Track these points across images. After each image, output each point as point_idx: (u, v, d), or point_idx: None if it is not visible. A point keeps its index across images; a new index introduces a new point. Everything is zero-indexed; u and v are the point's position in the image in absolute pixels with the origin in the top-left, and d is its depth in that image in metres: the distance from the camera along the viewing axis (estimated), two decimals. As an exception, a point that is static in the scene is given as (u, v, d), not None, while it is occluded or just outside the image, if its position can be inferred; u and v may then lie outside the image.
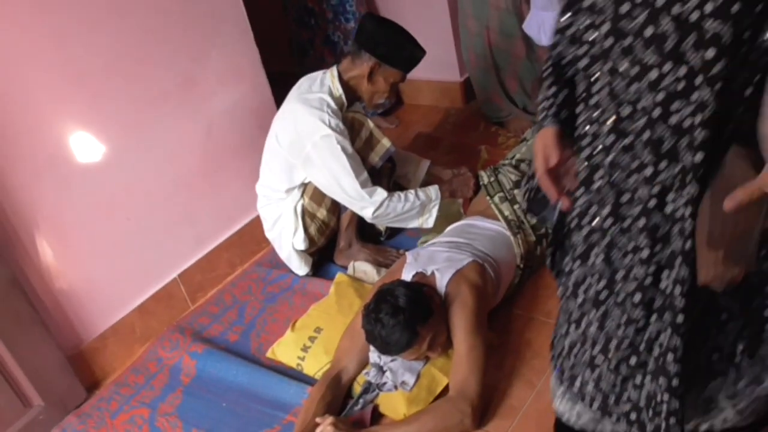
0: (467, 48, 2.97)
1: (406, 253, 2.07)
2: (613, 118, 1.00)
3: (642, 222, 1.02)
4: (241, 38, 2.54)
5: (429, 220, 2.26)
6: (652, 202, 1.00)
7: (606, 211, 1.06)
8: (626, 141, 0.99)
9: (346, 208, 2.32)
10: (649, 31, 0.90)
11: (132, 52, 2.19)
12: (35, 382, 2.04)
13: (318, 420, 1.73)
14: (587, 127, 1.06)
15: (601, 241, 1.09)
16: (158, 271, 2.42)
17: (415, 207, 2.22)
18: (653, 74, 0.92)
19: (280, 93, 2.57)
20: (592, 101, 1.04)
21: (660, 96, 0.93)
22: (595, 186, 1.07)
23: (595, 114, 1.04)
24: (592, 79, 1.03)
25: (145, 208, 2.33)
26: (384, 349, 1.75)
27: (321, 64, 3.03)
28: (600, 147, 1.04)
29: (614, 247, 1.07)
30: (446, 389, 1.79)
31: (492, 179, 2.27)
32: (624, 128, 0.99)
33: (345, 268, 2.40)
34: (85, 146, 2.12)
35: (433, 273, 1.89)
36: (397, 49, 2.22)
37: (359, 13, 3.23)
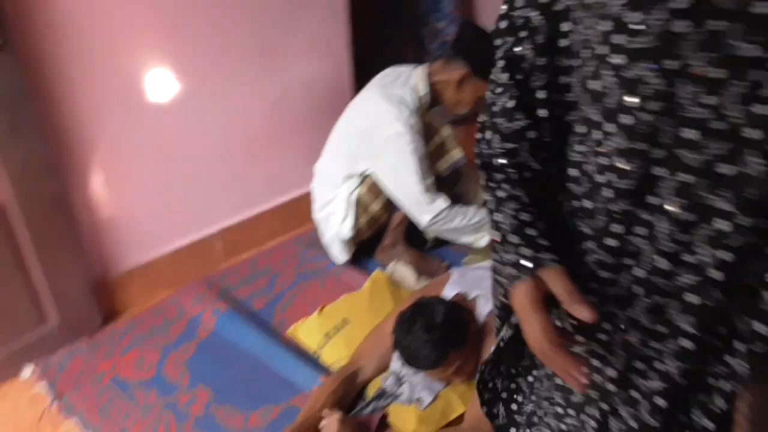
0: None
1: (452, 269, 2.02)
2: (647, 270, 0.74)
3: (661, 391, 0.78)
4: (335, 16, 2.51)
5: (483, 240, 2.20)
6: (681, 380, 0.76)
7: (612, 373, 0.81)
8: (658, 299, 0.74)
9: (399, 207, 2.28)
10: (724, 170, 0.65)
11: (227, 5, 2.17)
12: (57, 300, 2.04)
13: (325, 413, 1.70)
14: (599, 271, 0.80)
15: (596, 403, 0.84)
16: (200, 221, 2.41)
17: (473, 224, 2.17)
18: (722, 225, 0.67)
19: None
20: (610, 242, 0.77)
21: (723, 253, 0.68)
22: (601, 337, 0.81)
23: (610, 260, 0.78)
24: (616, 216, 0.75)
25: (202, 157, 2.32)
26: (410, 360, 1.70)
27: (400, 57, 2.98)
28: (614, 298, 0.79)
29: (615, 415, 0.83)
30: (460, 418, 1.74)
31: None
32: (655, 283, 0.74)
33: (384, 265, 2.36)
34: (159, 84, 2.11)
35: (475, 299, 1.84)
36: (493, 63, 2.16)
37: (453, 15, 3.18)
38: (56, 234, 1.99)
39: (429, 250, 2.44)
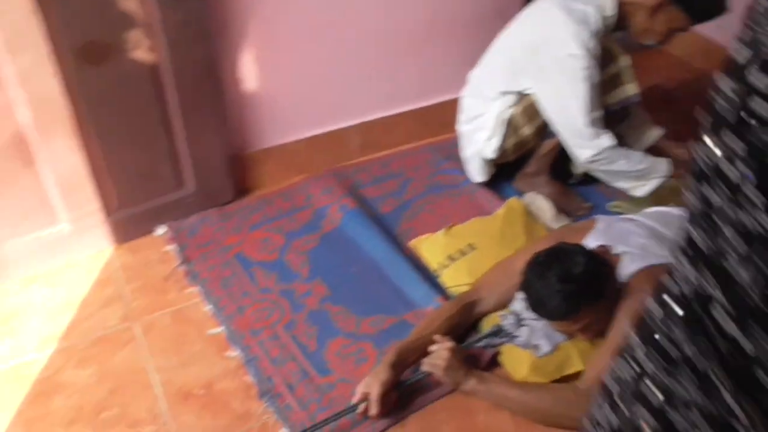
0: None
1: (598, 217, 1.84)
2: None
3: None
4: None
5: (641, 189, 2.00)
6: None
7: None
8: None
9: (552, 135, 2.10)
10: None
11: None
12: (195, 167, 2.07)
13: (437, 338, 1.65)
14: None
15: None
16: (341, 111, 2.34)
17: (635, 170, 1.97)
18: None
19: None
20: None
21: None
22: None
23: None
24: None
25: (354, 46, 2.22)
26: (536, 307, 1.60)
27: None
28: None
29: None
30: (575, 376, 1.64)
31: None
32: None
33: (521, 193, 2.22)
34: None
35: (620, 255, 1.68)
36: None
37: None
38: (203, 102, 1.98)
39: (573, 186, 2.26)
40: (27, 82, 1.68)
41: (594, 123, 1.92)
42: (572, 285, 1.54)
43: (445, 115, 2.42)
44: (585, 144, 1.94)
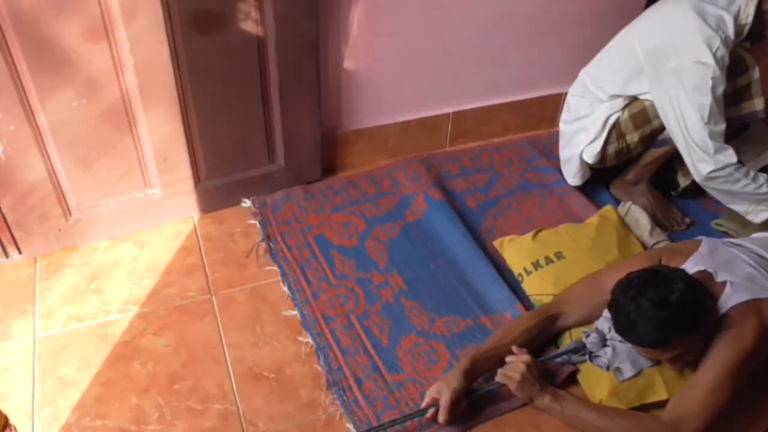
0: None
1: (703, 238, 1.71)
2: None
3: None
4: None
5: (760, 215, 1.85)
6: None
7: None
8: None
9: (659, 144, 1.96)
10: None
11: None
12: (286, 143, 2.07)
13: (514, 349, 1.59)
14: None
15: None
16: (438, 98, 2.28)
17: (757, 194, 1.82)
18: None
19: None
20: None
21: None
22: None
23: None
24: None
25: (459, 33, 2.14)
26: (623, 331, 1.50)
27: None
28: None
29: None
30: (656, 405, 1.55)
31: None
32: None
33: (617, 201, 2.10)
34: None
35: (723, 283, 1.55)
36: None
37: None
38: (301, 79, 1.96)
39: (674, 198, 2.12)
40: (137, 46, 1.69)
41: (715, 137, 1.77)
42: (666, 312, 1.43)
43: (545, 110, 2.32)
44: (705, 158, 1.80)
